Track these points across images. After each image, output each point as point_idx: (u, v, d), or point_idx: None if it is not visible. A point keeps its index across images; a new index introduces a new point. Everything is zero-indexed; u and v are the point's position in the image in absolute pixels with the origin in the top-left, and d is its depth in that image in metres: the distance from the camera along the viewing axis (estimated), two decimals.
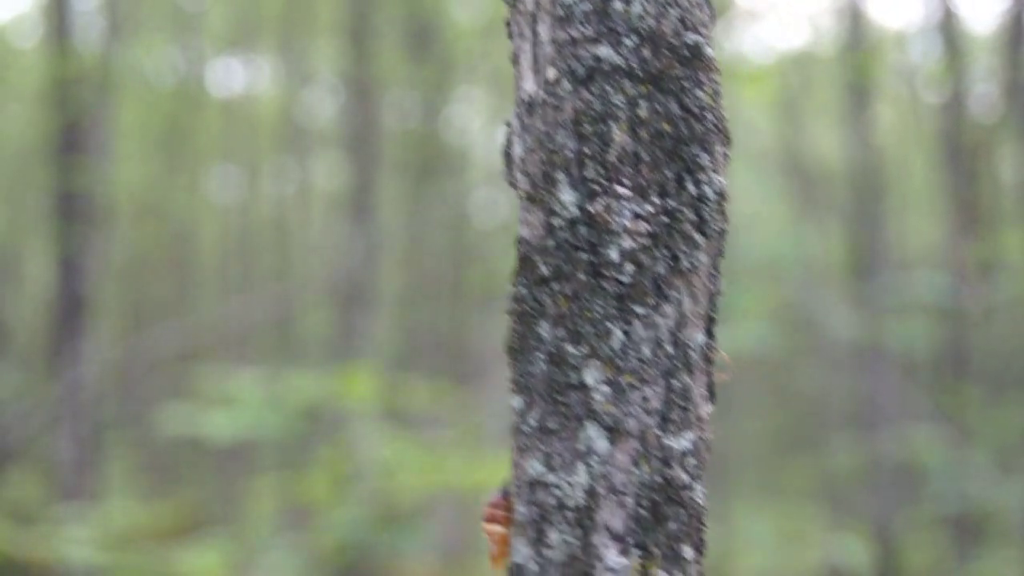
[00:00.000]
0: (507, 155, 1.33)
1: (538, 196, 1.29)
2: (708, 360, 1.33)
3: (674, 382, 1.29)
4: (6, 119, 14.91)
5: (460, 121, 15.89)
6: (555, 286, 1.28)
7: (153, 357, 11.66)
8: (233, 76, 13.08)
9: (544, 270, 1.29)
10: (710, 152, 1.30)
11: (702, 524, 1.31)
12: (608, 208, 1.27)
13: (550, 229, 1.28)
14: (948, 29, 10.73)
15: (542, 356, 1.28)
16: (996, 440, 9.41)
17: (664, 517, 1.28)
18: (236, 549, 8.70)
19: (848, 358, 11.80)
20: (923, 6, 13.90)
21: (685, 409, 1.29)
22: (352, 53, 12.03)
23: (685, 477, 1.29)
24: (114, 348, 11.44)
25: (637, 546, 1.26)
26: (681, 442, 1.29)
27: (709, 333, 1.33)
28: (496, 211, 15.60)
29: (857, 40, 11.54)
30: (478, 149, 16.29)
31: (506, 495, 1.31)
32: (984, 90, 11.36)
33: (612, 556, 1.26)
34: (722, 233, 1.33)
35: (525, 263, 1.30)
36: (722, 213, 1.32)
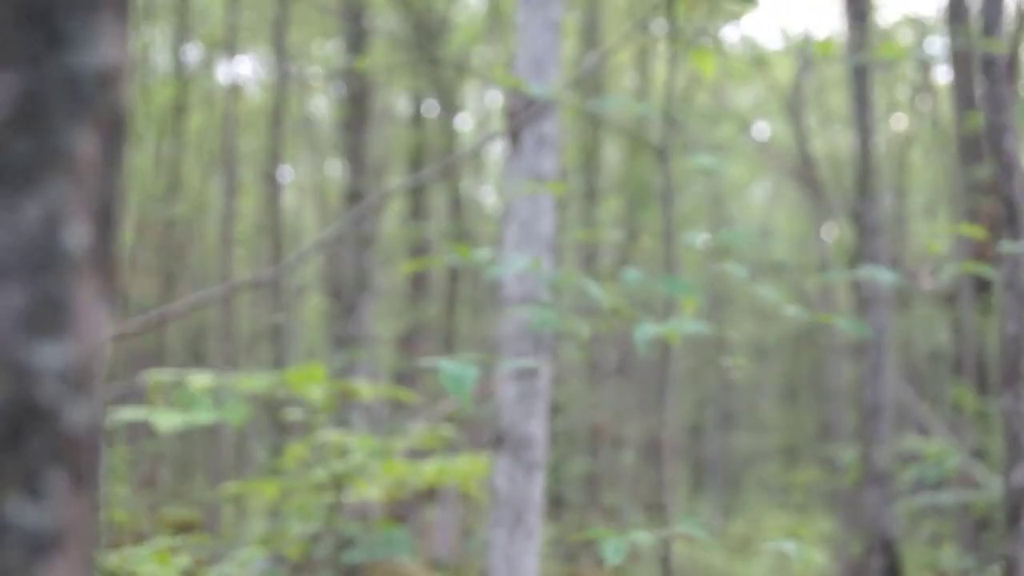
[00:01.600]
0: None
1: None
2: (102, 263, 1.15)
3: (43, 284, 1.11)
4: None
5: (460, 117, 15.75)
6: None
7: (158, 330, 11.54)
8: (232, 71, 13.04)
9: None
10: (89, 21, 1.12)
11: (87, 452, 1.13)
12: None
13: None
14: (957, 20, 10.44)
15: None
16: (997, 438, 9.14)
17: (23, 440, 1.10)
18: (202, 548, 8.58)
19: (852, 359, 11.52)
20: None
21: (58, 316, 1.11)
22: (350, 49, 11.91)
23: (53, 395, 1.11)
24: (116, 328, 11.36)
25: None
26: (49, 354, 1.11)
27: (104, 233, 1.15)
28: (498, 207, 15.42)
29: (863, 30, 11.27)
30: (475, 144, 16.11)
31: None
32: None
33: None
34: (113, 116, 1.15)
35: None
36: (112, 91, 1.14)
